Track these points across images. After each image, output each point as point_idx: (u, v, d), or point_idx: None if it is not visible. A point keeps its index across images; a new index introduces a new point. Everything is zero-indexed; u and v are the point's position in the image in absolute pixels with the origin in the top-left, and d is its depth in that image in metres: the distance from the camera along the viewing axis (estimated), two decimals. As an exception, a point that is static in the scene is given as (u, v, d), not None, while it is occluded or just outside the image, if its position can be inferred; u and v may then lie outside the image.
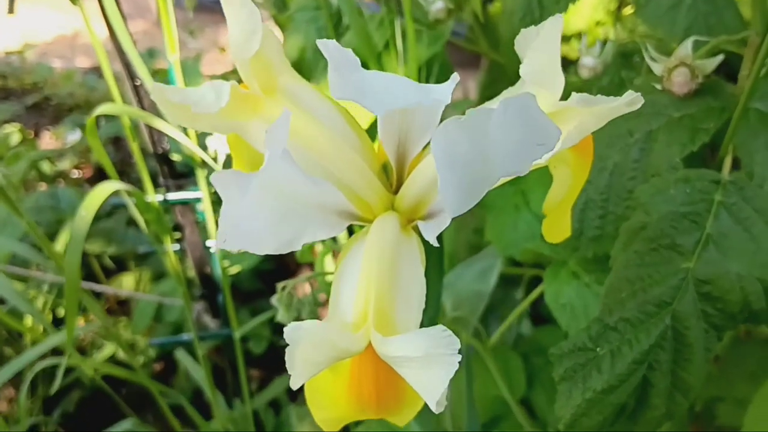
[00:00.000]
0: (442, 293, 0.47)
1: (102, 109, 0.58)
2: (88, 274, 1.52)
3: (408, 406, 0.34)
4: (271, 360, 1.36)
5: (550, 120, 0.26)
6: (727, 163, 0.45)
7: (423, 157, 0.38)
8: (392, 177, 0.40)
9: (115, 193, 0.68)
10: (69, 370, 1.33)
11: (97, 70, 2.52)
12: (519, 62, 0.36)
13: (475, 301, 0.67)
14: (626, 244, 0.45)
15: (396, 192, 0.38)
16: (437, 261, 0.43)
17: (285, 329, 0.29)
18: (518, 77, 0.36)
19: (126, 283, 1.55)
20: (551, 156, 0.34)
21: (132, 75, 0.67)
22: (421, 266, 0.34)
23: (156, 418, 1.33)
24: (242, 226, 0.28)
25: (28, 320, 1.22)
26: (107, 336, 1.38)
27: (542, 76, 0.33)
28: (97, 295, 1.51)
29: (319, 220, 0.33)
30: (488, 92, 1.02)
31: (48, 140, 2.05)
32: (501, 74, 0.98)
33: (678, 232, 0.43)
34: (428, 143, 0.38)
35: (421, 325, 0.43)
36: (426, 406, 0.30)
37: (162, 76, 1.60)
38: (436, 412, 0.28)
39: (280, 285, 0.53)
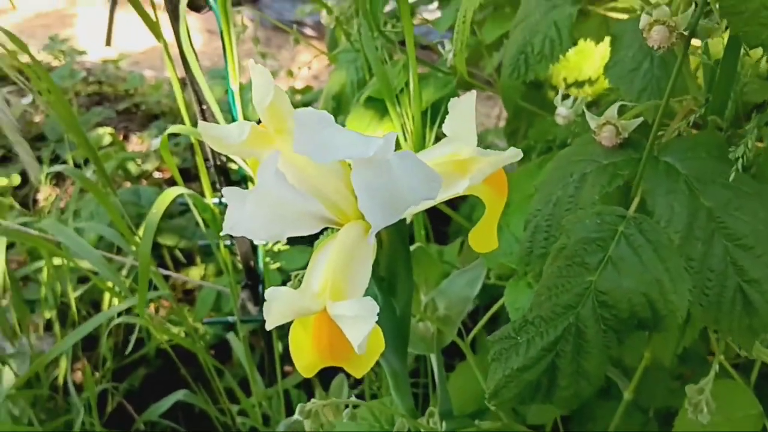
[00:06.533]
0: (413, 285, 0.61)
1: (172, 129, 0.75)
2: (162, 264, 1.72)
3: (356, 359, 0.48)
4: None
5: (430, 168, 0.40)
6: (635, 202, 0.58)
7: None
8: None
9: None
10: (138, 346, 1.52)
11: (182, 81, 2.77)
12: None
13: (463, 304, 0.81)
14: (552, 261, 0.58)
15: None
16: (405, 259, 0.57)
17: (266, 291, 0.44)
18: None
19: (192, 275, 1.75)
20: (465, 189, 0.47)
21: (200, 100, 0.84)
22: (371, 261, 0.48)
23: (207, 395, 1.50)
24: (243, 223, 0.43)
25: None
26: (173, 321, 1.57)
27: (460, 134, 0.47)
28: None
29: (302, 222, 0.48)
30: (510, 128, 1.15)
31: (135, 143, 2.28)
32: (521, 110, 1.11)
33: (587, 253, 0.56)
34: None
35: (397, 308, 0.59)
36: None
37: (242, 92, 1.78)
38: (359, 353, 0.42)
39: (293, 273, 0.67)
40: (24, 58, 0.92)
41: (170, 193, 0.77)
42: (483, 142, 1.76)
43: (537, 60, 0.74)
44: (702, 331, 0.72)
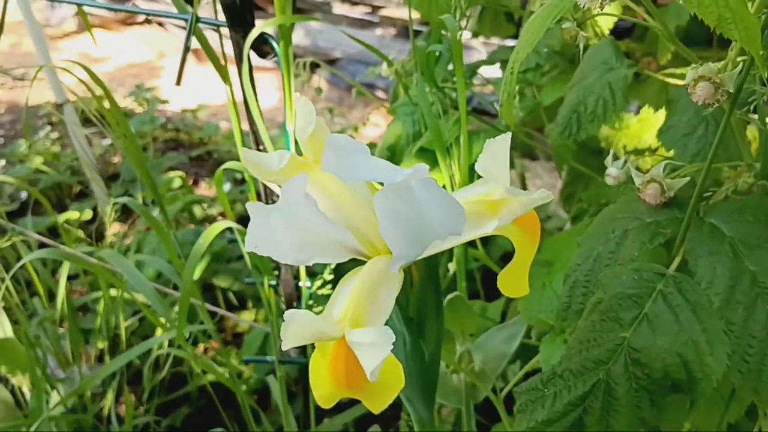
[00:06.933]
0: (443, 329, 0.60)
1: (227, 165, 0.78)
2: (214, 305, 1.75)
3: (373, 391, 0.47)
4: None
5: (454, 199, 0.40)
6: (676, 261, 0.56)
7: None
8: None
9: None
10: (182, 383, 1.55)
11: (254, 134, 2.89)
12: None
13: (499, 360, 0.79)
14: (587, 315, 0.57)
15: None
16: (435, 300, 0.57)
17: (285, 313, 0.44)
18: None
19: (243, 318, 1.77)
20: (495, 229, 0.47)
21: (258, 141, 0.87)
22: (395, 294, 0.48)
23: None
24: (269, 242, 0.44)
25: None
26: (219, 362, 1.59)
27: (493, 174, 0.47)
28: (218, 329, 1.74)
29: (330, 250, 0.48)
30: (566, 191, 1.14)
31: (204, 188, 2.36)
32: (578, 175, 1.10)
33: (622, 308, 0.54)
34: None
35: (426, 352, 0.58)
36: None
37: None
38: (372, 381, 0.42)
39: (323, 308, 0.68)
40: (107, 104, 0.98)
41: (218, 226, 0.79)
42: (545, 211, 1.74)
43: (589, 120, 0.75)
44: (751, 407, 0.68)
